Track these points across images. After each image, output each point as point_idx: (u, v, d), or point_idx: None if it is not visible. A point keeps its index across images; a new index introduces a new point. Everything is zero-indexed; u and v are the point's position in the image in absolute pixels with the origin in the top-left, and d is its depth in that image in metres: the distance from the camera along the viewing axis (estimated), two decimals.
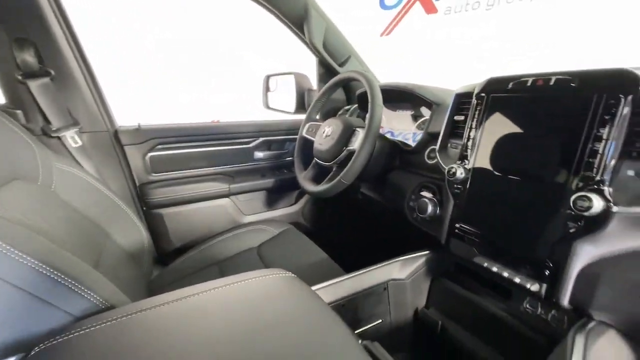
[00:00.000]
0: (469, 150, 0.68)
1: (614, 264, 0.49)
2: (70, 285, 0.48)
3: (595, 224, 0.49)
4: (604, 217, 0.48)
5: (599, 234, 0.49)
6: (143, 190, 1.12)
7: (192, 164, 1.21)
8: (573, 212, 0.50)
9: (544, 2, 2.77)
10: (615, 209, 0.47)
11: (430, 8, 3.34)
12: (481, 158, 0.66)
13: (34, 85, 0.84)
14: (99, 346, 0.40)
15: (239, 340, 0.41)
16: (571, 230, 0.51)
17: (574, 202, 0.50)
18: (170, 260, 1.11)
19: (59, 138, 0.91)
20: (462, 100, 0.75)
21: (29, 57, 0.82)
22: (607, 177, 0.49)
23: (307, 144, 1.11)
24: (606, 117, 0.49)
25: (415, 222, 0.85)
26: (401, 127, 1.13)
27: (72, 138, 0.92)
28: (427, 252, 0.79)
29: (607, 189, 0.48)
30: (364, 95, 1.19)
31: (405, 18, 3.51)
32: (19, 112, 0.87)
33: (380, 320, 0.76)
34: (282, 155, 1.40)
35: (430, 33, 3.33)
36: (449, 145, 0.79)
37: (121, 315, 0.46)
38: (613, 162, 0.48)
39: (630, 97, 0.47)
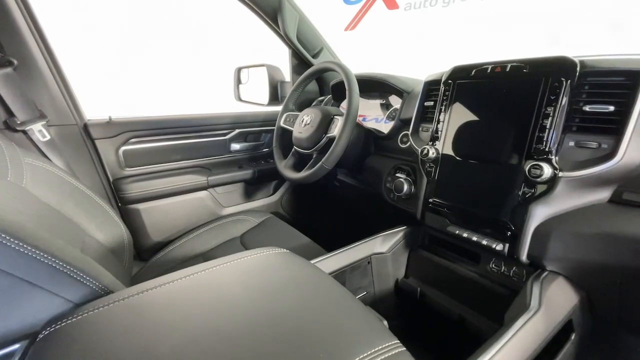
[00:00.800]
0: (439, 132, 0.76)
1: (562, 221, 0.59)
2: (69, 272, 0.48)
3: (546, 188, 0.58)
4: (553, 182, 0.57)
5: (549, 196, 0.58)
6: (117, 185, 1.09)
7: (168, 157, 1.19)
8: (528, 179, 0.59)
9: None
10: (561, 174, 0.56)
11: (391, 4, 3.46)
12: (450, 138, 0.74)
13: None
14: (102, 328, 0.41)
15: (242, 306, 0.43)
16: (527, 195, 0.60)
17: (528, 170, 0.59)
18: (150, 256, 1.09)
19: (24, 132, 0.86)
20: (431, 87, 0.82)
21: None
22: (553, 148, 0.58)
23: (285, 134, 1.14)
24: (551, 97, 0.58)
25: (393, 202, 0.91)
26: (375, 114, 1.19)
27: (39, 132, 0.87)
28: (404, 227, 0.87)
29: (554, 158, 0.58)
30: (338, 86, 1.24)
31: (367, 13, 3.61)
32: None
33: (366, 292, 0.82)
34: (259, 147, 1.41)
35: (391, 28, 3.46)
36: (420, 129, 0.86)
37: (121, 298, 0.47)
38: (558, 135, 0.58)
39: (569, 80, 0.56)
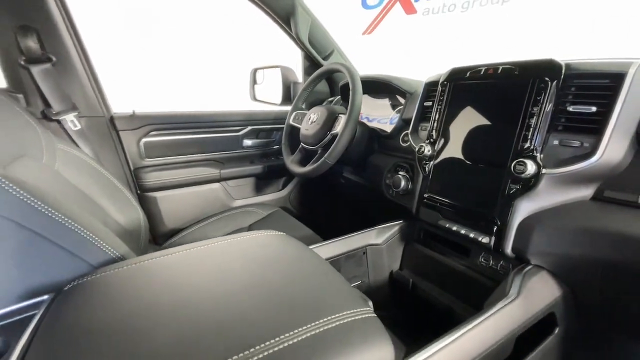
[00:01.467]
0: (434, 132, 0.80)
1: (545, 216, 0.61)
2: (92, 240, 0.56)
3: (530, 184, 0.61)
4: (536, 178, 0.60)
5: (533, 192, 0.61)
6: (137, 174, 1.18)
7: (184, 150, 1.27)
8: (513, 175, 0.62)
9: (514, 5, 2.98)
10: (544, 170, 0.59)
11: (409, 9, 3.49)
12: (445, 136, 0.77)
13: (36, 70, 0.89)
14: (115, 286, 0.48)
15: (234, 273, 0.49)
16: (512, 191, 0.63)
17: (513, 167, 0.62)
18: (164, 241, 1.18)
19: (58, 122, 0.96)
20: (431, 88, 0.86)
21: (32, 44, 0.87)
22: (538, 146, 0.61)
23: (294, 131, 1.20)
24: (537, 98, 0.61)
25: (391, 197, 0.95)
26: (380, 114, 1.23)
27: (71, 122, 0.97)
28: (400, 221, 0.90)
29: (538, 156, 0.60)
30: (346, 86, 1.29)
31: (385, 18, 3.65)
32: (20, 95, 0.92)
33: (361, 282, 0.86)
34: (270, 144, 1.48)
35: (409, 32, 3.48)
36: (419, 128, 0.90)
37: (133, 263, 0.53)
38: (543, 134, 0.60)
39: (555, 82, 0.59)
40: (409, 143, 0.91)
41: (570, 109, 0.58)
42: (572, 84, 0.59)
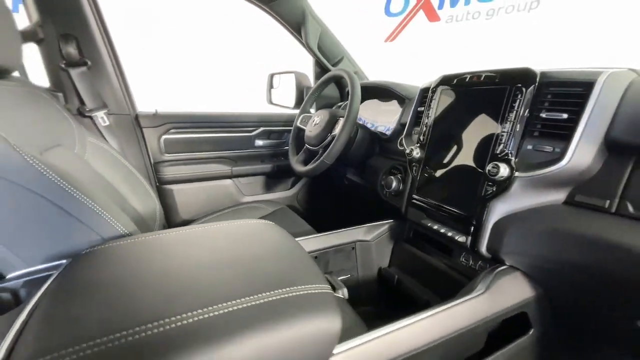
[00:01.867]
0: (423, 136, 0.84)
1: (518, 218, 0.64)
2: (107, 219, 0.65)
3: (504, 186, 0.63)
4: (509, 181, 0.63)
5: (506, 194, 0.64)
6: (157, 167, 1.29)
7: (200, 147, 1.38)
8: (488, 178, 0.65)
9: (541, 12, 2.91)
10: (517, 174, 0.62)
11: (433, 16, 3.49)
12: (432, 140, 0.81)
13: (74, 72, 1.02)
14: (121, 254, 0.56)
15: (217, 249, 0.56)
16: (487, 193, 0.66)
17: (488, 170, 0.65)
18: None
19: (90, 117, 1.09)
20: (424, 94, 0.90)
21: (71, 50, 1.00)
22: (513, 150, 0.63)
23: (300, 133, 1.27)
24: (513, 104, 0.63)
25: (385, 197, 0.99)
26: (386, 119, 1.27)
27: (101, 118, 1.10)
28: (391, 221, 0.94)
29: (513, 160, 0.63)
30: None
31: (408, 25, 3.66)
32: (59, 94, 1.05)
33: (350, 275, 0.91)
34: (280, 145, 1.56)
35: (432, 40, 3.47)
36: (413, 132, 0.94)
37: (138, 237, 0.62)
38: (518, 139, 0.63)
39: (530, 89, 0.62)
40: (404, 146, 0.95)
41: (544, 115, 0.61)
42: (547, 91, 0.61)
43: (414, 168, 0.85)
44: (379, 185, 1.03)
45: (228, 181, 1.44)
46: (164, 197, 1.32)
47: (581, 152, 0.56)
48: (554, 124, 0.60)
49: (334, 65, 1.41)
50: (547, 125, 0.61)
